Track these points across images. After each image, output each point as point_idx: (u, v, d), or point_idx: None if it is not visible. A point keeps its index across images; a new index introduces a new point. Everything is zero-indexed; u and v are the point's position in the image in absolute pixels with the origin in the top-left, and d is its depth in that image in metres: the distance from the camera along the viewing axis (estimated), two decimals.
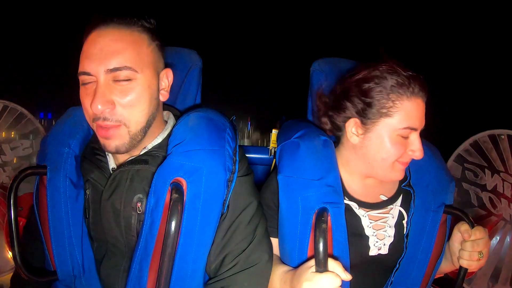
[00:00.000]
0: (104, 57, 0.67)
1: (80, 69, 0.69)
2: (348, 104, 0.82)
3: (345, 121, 0.84)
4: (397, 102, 0.77)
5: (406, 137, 0.79)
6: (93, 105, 0.67)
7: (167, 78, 0.78)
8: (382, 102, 0.77)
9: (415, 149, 0.79)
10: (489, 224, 1.44)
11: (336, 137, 0.92)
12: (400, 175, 0.82)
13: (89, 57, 0.68)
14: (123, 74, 0.68)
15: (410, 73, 0.78)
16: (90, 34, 0.70)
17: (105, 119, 0.68)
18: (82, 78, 0.70)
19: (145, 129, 0.74)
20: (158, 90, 0.76)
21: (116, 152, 0.72)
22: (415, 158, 0.80)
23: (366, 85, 0.79)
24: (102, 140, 0.72)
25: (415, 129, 0.78)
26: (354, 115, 0.81)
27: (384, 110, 0.77)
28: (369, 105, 0.79)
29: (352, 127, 0.82)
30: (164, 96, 0.78)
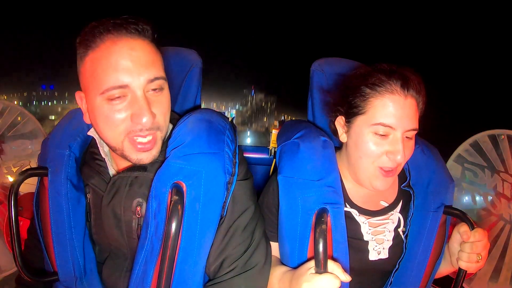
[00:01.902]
0: (142, 68, 0.65)
1: (112, 83, 0.64)
2: (337, 103, 0.84)
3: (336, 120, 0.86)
4: (371, 99, 0.76)
5: (383, 136, 0.76)
6: (139, 118, 0.65)
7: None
8: (359, 99, 0.78)
9: (393, 150, 0.75)
10: (489, 224, 1.44)
11: (338, 143, 0.92)
12: (382, 185, 0.79)
13: (126, 69, 0.64)
14: (159, 84, 0.68)
15: (393, 69, 0.76)
16: (114, 45, 0.65)
17: (147, 129, 0.68)
18: (112, 93, 0.65)
19: (164, 137, 0.75)
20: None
21: (152, 160, 0.72)
22: (395, 162, 0.76)
23: (349, 84, 0.81)
24: (137, 156, 0.70)
25: (391, 127, 0.74)
26: (342, 113, 0.83)
27: (360, 107, 0.78)
28: (349, 102, 0.80)
29: (339, 125, 0.84)
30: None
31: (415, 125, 0.76)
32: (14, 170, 1.58)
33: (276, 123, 1.15)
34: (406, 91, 0.75)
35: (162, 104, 0.70)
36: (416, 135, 0.95)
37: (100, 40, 0.65)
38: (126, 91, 0.65)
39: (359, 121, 0.79)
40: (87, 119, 0.73)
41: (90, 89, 0.67)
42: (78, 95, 0.73)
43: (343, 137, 0.84)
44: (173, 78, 0.87)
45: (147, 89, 0.67)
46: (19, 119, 1.64)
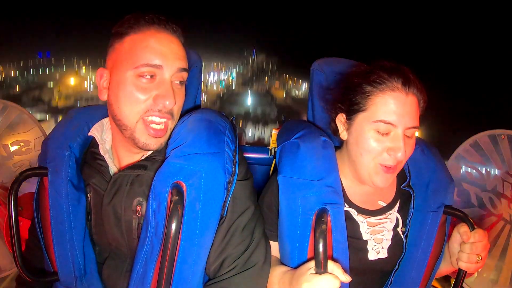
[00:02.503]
0: (177, 57, 0.73)
1: (147, 61, 0.70)
2: (338, 101, 0.85)
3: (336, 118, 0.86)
4: (372, 96, 0.77)
5: (385, 134, 0.76)
6: (164, 99, 0.70)
7: None
8: (360, 96, 0.78)
9: (394, 147, 0.75)
10: (489, 224, 1.44)
11: (339, 142, 0.92)
12: (383, 182, 0.79)
13: (163, 53, 0.71)
14: (184, 76, 0.75)
15: (394, 67, 0.77)
16: (150, 30, 0.72)
17: (166, 112, 0.72)
18: (149, 70, 0.70)
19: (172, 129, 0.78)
20: None
21: (158, 148, 0.75)
22: (396, 159, 0.76)
23: (350, 82, 0.81)
24: (147, 140, 0.73)
25: (392, 125, 0.75)
26: (342, 111, 0.84)
27: (361, 104, 0.78)
28: (350, 100, 0.80)
29: (340, 122, 0.85)
30: None
31: (416, 122, 0.76)
32: (9, 143, 1.58)
33: (275, 129, 1.14)
34: (407, 89, 0.75)
35: (181, 97, 0.76)
36: (416, 135, 0.95)
37: (144, 27, 0.72)
38: (157, 72, 0.71)
39: (360, 118, 0.79)
40: (103, 96, 0.76)
41: (123, 64, 0.71)
42: (100, 72, 0.77)
43: (343, 135, 0.85)
44: None
45: (174, 78, 0.73)
46: (19, 119, 1.64)
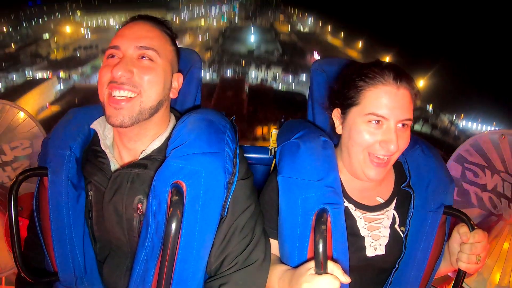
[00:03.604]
0: (136, 37, 0.76)
1: (110, 44, 0.76)
2: (333, 96, 0.88)
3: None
4: (364, 90, 0.79)
5: (377, 126, 0.77)
6: (114, 70, 0.72)
7: (177, 80, 0.85)
8: (353, 91, 0.80)
9: (386, 139, 0.76)
10: (489, 224, 1.44)
11: (337, 138, 0.92)
12: (374, 174, 0.79)
13: (122, 35, 0.76)
14: (149, 53, 0.76)
15: (385, 63, 0.80)
16: (127, 24, 0.80)
17: (122, 83, 0.72)
18: (109, 51, 0.76)
19: (153, 111, 0.76)
20: (170, 84, 0.82)
21: (119, 126, 0.73)
22: (389, 151, 0.77)
23: (344, 77, 0.85)
24: (109, 112, 0.73)
25: (383, 118, 0.76)
26: (337, 106, 0.86)
27: (354, 98, 0.80)
28: (344, 94, 0.83)
29: (335, 117, 0.87)
30: (173, 94, 0.84)
31: (409, 115, 0.77)
32: (9, 143, 1.58)
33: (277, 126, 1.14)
34: (398, 82, 0.76)
35: (145, 70, 0.75)
36: (416, 135, 0.95)
37: (127, 22, 0.81)
38: (119, 53, 0.75)
39: (353, 112, 0.81)
40: None
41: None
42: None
43: (339, 129, 0.87)
44: None
45: (135, 55, 0.75)
46: (19, 119, 1.64)
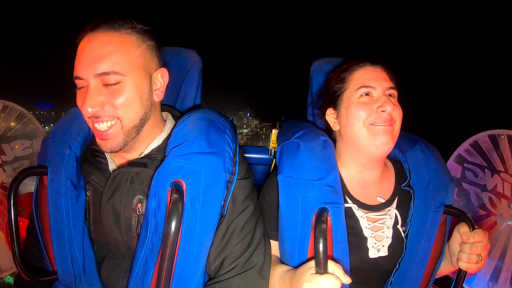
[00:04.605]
0: (92, 62, 0.68)
1: (74, 74, 0.71)
2: (323, 100, 0.94)
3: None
4: (348, 76, 0.87)
5: (368, 96, 0.83)
6: (83, 108, 0.70)
7: (162, 77, 0.78)
8: (338, 84, 0.88)
9: (381, 103, 0.81)
10: (489, 224, 1.44)
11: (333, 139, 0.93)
12: (386, 139, 0.80)
13: (80, 62, 0.70)
14: (111, 78, 0.69)
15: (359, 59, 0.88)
16: (82, 40, 0.71)
17: (97, 117, 0.70)
18: (76, 82, 0.72)
19: (139, 128, 0.74)
20: (151, 91, 0.76)
21: (111, 151, 0.73)
22: (387, 113, 0.80)
23: (327, 79, 0.94)
24: (98, 141, 0.74)
25: (372, 87, 0.83)
26: (328, 105, 0.91)
27: (341, 88, 0.87)
28: (332, 93, 0.89)
29: (329, 116, 0.91)
30: (158, 96, 0.78)
31: (393, 84, 0.85)
32: (9, 143, 1.58)
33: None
34: (375, 64, 0.86)
35: (115, 98, 0.70)
36: (416, 135, 0.95)
37: (83, 35, 0.72)
38: (84, 82, 0.70)
39: (344, 96, 0.87)
40: None
41: None
42: None
43: (335, 126, 0.90)
44: (173, 78, 0.87)
45: (99, 82, 0.69)
46: (19, 119, 1.64)
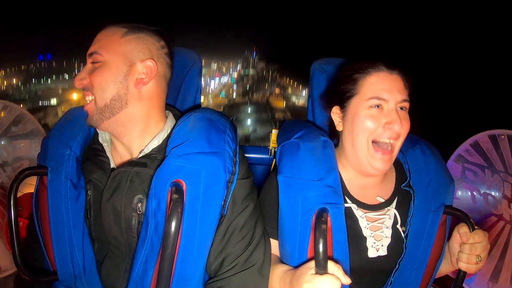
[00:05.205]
0: (92, 45, 0.80)
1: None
2: (330, 96, 0.91)
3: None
4: (361, 80, 0.83)
5: (378, 109, 0.80)
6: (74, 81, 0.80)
7: (146, 68, 0.78)
8: (349, 84, 0.84)
9: (390, 120, 0.79)
10: (489, 224, 1.44)
11: (336, 139, 0.92)
12: (381, 165, 0.81)
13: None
14: (94, 57, 0.78)
15: (374, 58, 0.84)
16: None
17: (83, 89, 0.79)
18: (88, 60, 0.80)
19: (112, 109, 0.76)
20: (128, 76, 0.77)
21: (92, 126, 0.80)
22: (394, 132, 0.79)
23: (339, 75, 0.89)
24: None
25: (384, 100, 0.80)
26: (335, 103, 0.89)
27: (352, 90, 0.84)
28: (341, 90, 0.86)
29: (335, 115, 0.89)
30: (137, 84, 0.77)
31: (406, 96, 0.82)
32: (14, 170, 1.58)
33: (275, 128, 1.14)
34: (391, 70, 0.82)
35: (92, 72, 0.78)
36: (416, 135, 0.95)
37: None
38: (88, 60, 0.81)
39: (353, 102, 0.84)
40: None
41: None
42: None
43: (339, 126, 0.88)
44: (173, 78, 0.87)
45: (89, 61, 0.79)
46: (19, 119, 1.64)
